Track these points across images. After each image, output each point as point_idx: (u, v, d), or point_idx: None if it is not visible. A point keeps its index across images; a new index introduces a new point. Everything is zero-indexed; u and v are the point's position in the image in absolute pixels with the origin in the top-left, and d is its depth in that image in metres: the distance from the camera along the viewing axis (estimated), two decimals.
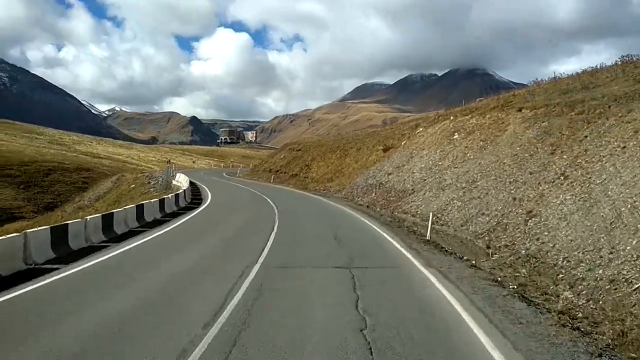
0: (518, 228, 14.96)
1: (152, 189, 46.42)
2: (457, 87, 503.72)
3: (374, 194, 30.63)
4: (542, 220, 14.33)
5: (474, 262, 12.27)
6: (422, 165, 29.43)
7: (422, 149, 32.88)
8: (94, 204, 53.60)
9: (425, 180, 26.89)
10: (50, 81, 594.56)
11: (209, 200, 27.61)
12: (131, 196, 45.85)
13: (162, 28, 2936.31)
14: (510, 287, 9.61)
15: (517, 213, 16.08)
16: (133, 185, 55.19)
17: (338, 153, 50.09)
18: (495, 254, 13.92)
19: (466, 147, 27.25)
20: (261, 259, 10.73)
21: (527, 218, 15.06)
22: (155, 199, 19.57)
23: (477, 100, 39.41)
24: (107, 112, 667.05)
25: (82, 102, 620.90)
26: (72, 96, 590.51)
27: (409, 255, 11.80)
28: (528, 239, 13.76)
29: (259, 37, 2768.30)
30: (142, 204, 17.39)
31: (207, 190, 37.02)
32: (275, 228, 16.03)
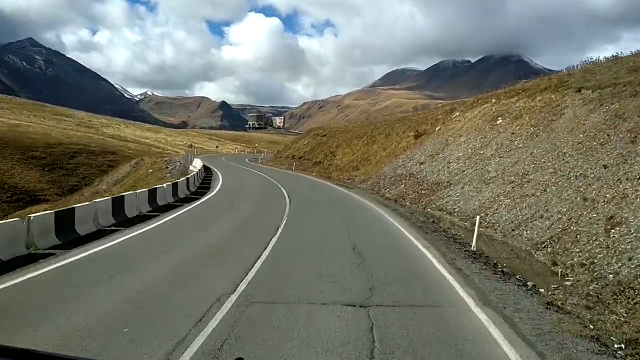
0: (596, 240, 11.30)
1: (168, 174, 44.47)
2: (490, 74, 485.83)
3: (403, 186, 27.10)
4: (632, 230, 10.64)
5: (543, 291, 8.79)
6: (460, 154, 25.69)
7: (460, 135, 29.04)
8: (111, 189, 52.03)
9: (463, 171, 23.20)
10: (84, 65, 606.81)
11: (214, 191, 24.59)
12: (147, 181, 43.84)
13: (193, 13, 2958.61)
14: (616, 347, 6.17)
15: (590, 218, 12.38)
16: (150, 170, 53.35)
17: (365, 139, 46.48)
18: (569, 275, 10.35)
19: (513, 133, 23.37)
20: (242, 286, 7.51)
21: (609, 226, 11.37)
22: (144, 190, 16.61)
23: (522, 81, 35.00)
24: (139, 96, 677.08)
25: (116, 85, 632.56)
26: (105, 80, 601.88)
27: (453, 282, 8.35)
28: (615, 257, 10.12)
29: (290, 21, 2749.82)
30: (123, 197, 14.48)
31: (219, 178, 34.24)
32: (279, 232, 12.68)
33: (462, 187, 21.42)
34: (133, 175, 56.25)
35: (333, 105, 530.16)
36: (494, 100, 30.49)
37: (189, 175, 24.78)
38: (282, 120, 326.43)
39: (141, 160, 61.18)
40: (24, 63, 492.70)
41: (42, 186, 58.46)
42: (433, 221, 17.46)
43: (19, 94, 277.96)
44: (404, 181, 27.96)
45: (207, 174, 37.52)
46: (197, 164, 42.70)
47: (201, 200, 20.07)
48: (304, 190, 27.54)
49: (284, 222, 14.55)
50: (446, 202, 21.10)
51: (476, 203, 18.86)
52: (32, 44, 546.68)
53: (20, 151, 61.60)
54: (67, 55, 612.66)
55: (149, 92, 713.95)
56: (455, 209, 19.78)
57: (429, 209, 21.35)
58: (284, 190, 25.03)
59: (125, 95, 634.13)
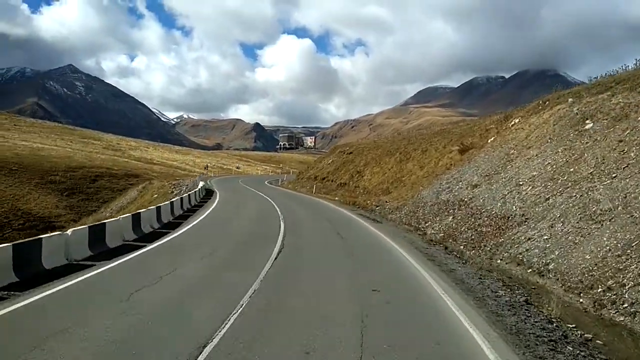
0: None
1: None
2: (525, 89, 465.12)
3: (451, 218, 19.41)
4: None
5: None
6: (534, 173, 17.90)
7: (527, 147, 21.23)
8: (114, 216, 46.52)
9: (547, 199, 15.37)
10: (123, 90, 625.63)
11: (184, 229, 17.71)
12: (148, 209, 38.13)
13: (227, 36, 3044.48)
14: None
15: None
16: (156, 196, 47.99)
17: (397, 156, 38.93)
18: None
19: (621, 141, 15.47)
20: None
21: None
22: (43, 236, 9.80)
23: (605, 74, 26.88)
24: (175, 120, 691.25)
25: (153, 110, 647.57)
26: (143, 104, 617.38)
27: None
28: None
29: (322, 42, 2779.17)
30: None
31: (212, 205, 27.58)
32: (214, 342, 5.51)
33: (551, 226, 13.60)
34: (139, 200, 50.97)
35: (365, 125, 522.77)
36: (571, 100, 22.59)
37: (141, 210, 18.05)
38: (314, 140, 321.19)
39: (149, 184, 55.83)
40: (64, 89, 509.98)
41: (58, 212, 54.12)
42: (526, 300, 9.51)
43: (60, 119, 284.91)
44: (451, 211, 20.28)
45: (202, 200, 31.15)
46: (199, 186, 36.78)
47: (143, 250, 12.89)
48: (312, 227, 20.07)
49: (239, 310, 7.24)
50: (526, 249, 13.32)
51: (587, 256, 11.06)
52: (73, 70, 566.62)
53: (39, 175, 57.78)
54: (106, 81, 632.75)
55: (185, 116, 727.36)
56: (547, 264, 11.97)
57: (499, 261, 13.61)
58: (282, 228, 17.76)
59: (162, 119, 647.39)
